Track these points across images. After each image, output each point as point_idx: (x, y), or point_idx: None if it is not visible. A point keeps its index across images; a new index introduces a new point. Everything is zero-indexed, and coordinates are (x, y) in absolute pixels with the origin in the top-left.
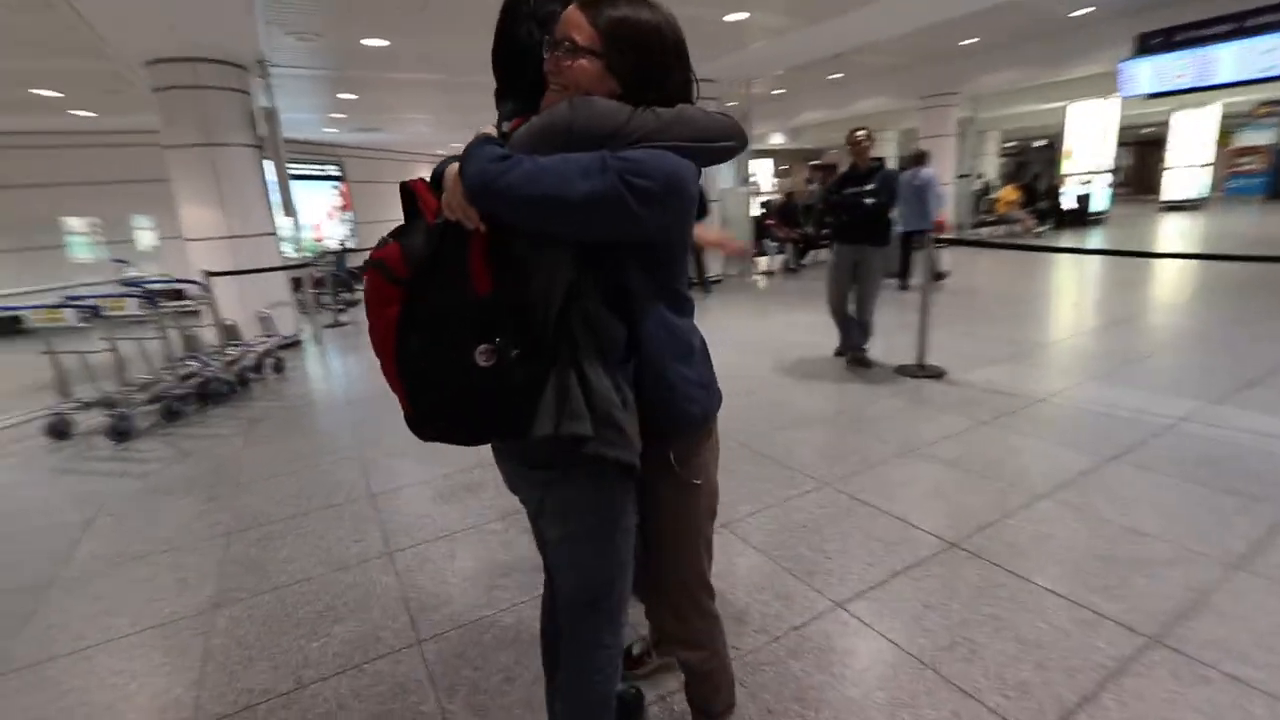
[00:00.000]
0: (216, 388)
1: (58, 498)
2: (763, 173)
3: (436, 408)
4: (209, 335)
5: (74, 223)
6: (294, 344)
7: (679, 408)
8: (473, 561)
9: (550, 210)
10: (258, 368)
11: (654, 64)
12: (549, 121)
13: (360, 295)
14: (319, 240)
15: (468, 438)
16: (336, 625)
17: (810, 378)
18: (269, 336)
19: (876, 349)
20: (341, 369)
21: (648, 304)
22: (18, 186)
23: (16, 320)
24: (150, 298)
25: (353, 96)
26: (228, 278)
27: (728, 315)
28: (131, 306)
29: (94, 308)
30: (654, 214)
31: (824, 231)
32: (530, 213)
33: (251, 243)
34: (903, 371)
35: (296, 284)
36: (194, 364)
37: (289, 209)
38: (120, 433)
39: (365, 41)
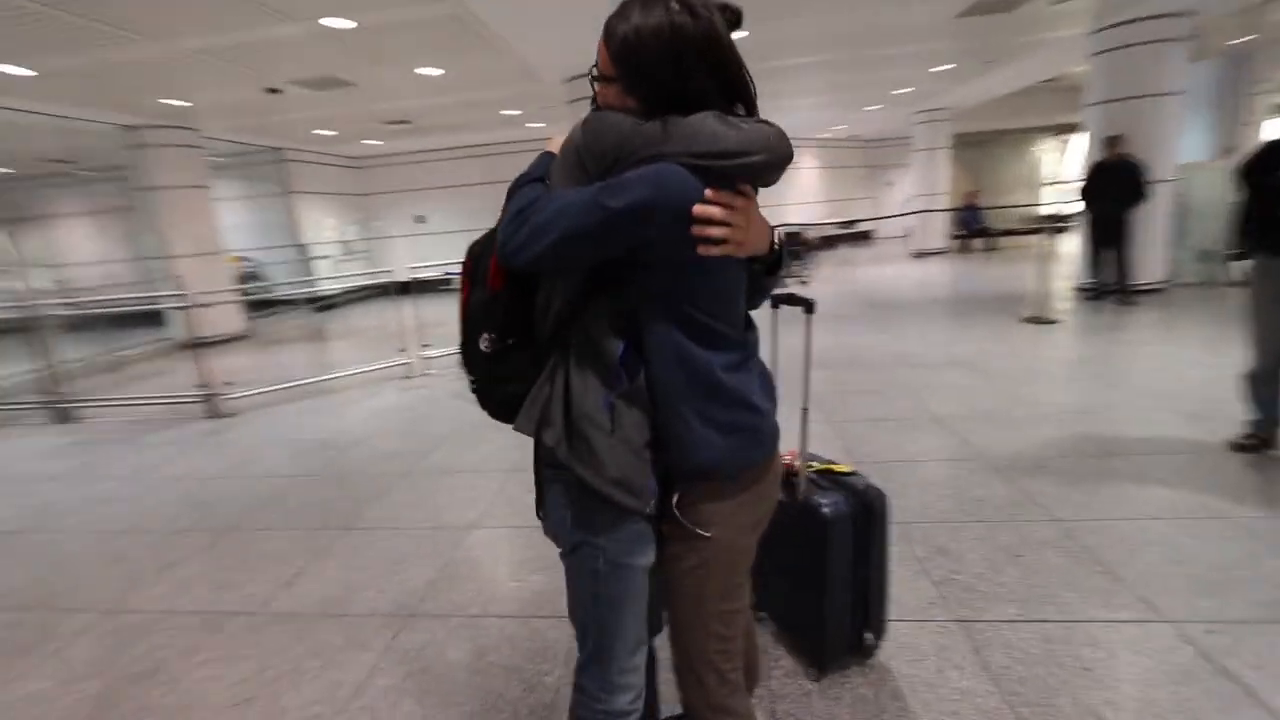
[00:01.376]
0: None
1: (442, 414)
2: None
3: (472, 384)
4: None
5: None
6: None
7: (685, 449)
8: None
9: (555, 257)
10: None
11: (666, 74)
12: (566, 144)
13: None
14: None
15: (492, 416)
16: (536, 574)
17: (1238, 453)
18: None
19: None
20: None
21: (657, 330)
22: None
23: (448, 281)
24: None
25: None
26: None
27: (1156, 338)
28: None
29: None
30: (630, 228)
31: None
32: (542, 263)
33: None
34: None
35: None
36: None
37: None
38: None
39: None
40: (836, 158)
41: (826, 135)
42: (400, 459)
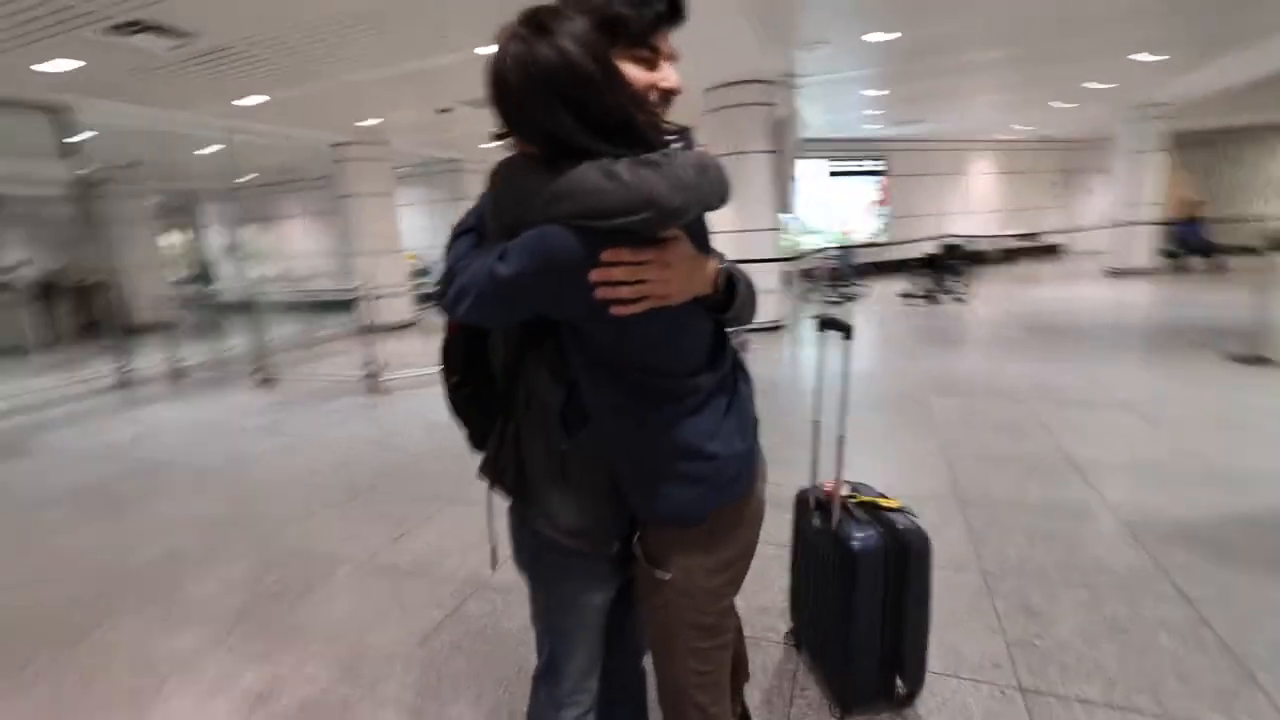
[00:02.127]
0: None
1: None
2: None
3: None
4: None
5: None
6: (773, 328)
7: (636, 499)
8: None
9: (479, 318)
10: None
11: (534, 115)
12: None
13: (863, 291)
14: (847, 234)
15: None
16: None
17: None
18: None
19: None
20: (793, 357)
21: (592, 385)
22: None
23: None
24: None
25: (882, 92)
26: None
27: None
28: None
29: None
30: (524, 296)
31: None
32: (471, 320)
33: (752, 237)
34: None
35: (807, 273)
36: None
37: (789, 206)
38: None
39: (867, 37)
40: (1020, 161)
41: (1005, 137)
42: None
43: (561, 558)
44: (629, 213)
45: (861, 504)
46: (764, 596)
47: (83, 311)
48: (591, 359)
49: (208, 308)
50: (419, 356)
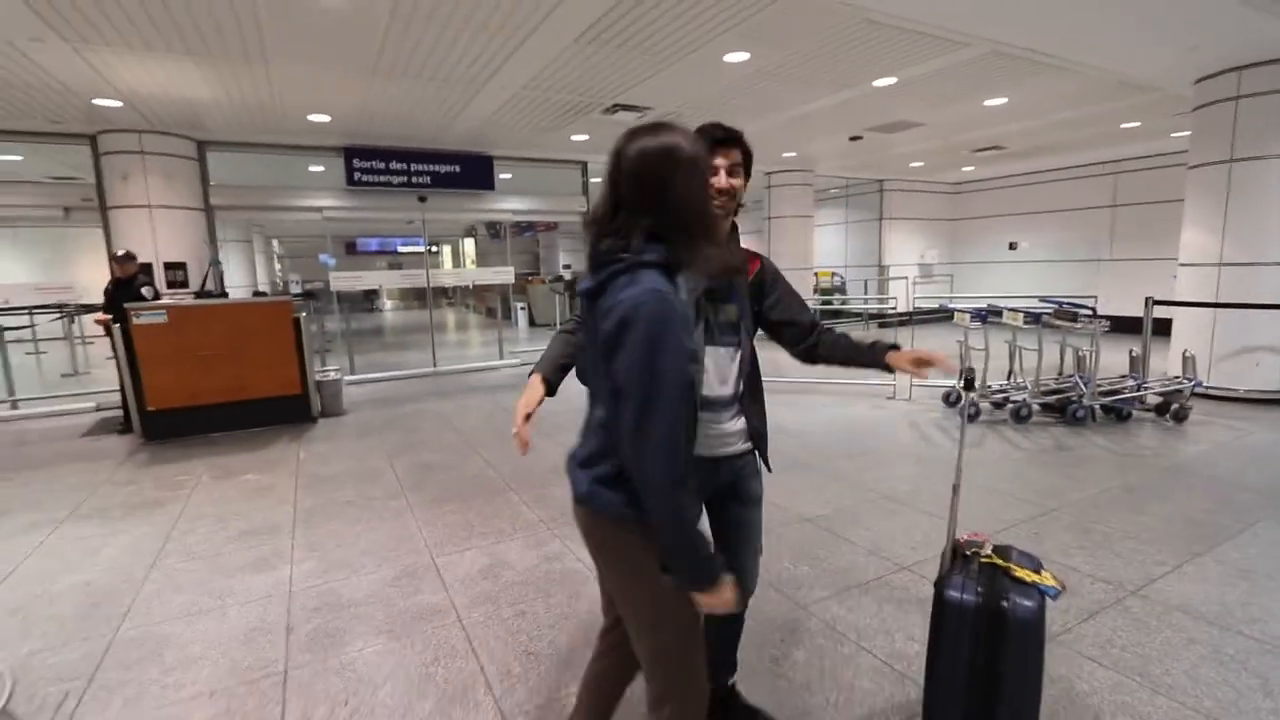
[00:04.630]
0: (1074, 409)
1: (882, 431)
2: None
3: None
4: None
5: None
6: (1261, 401)
7: None
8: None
9: None
10: (1159, 408)
11: None
12: None
13: None
14: None
15: None
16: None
17: None
18: (1184, 380)
19: None
20: (1236, 451)
21: None
22: (1127, 205)
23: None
24: (1036, 316)
25: None
26: (1201, 309)
27: None
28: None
29: (985, 314)
30: None
31: None
32: None
33: (1246, 272)
34: None
35: None
36: (1067, 380)
37: None
38: (970, 415)
39: None
40: None
41: None
42: (814, 451)
43: None
44: None
45: (989, 564)
46: None
47: None
48: None
49: None
50: (785, 365)
